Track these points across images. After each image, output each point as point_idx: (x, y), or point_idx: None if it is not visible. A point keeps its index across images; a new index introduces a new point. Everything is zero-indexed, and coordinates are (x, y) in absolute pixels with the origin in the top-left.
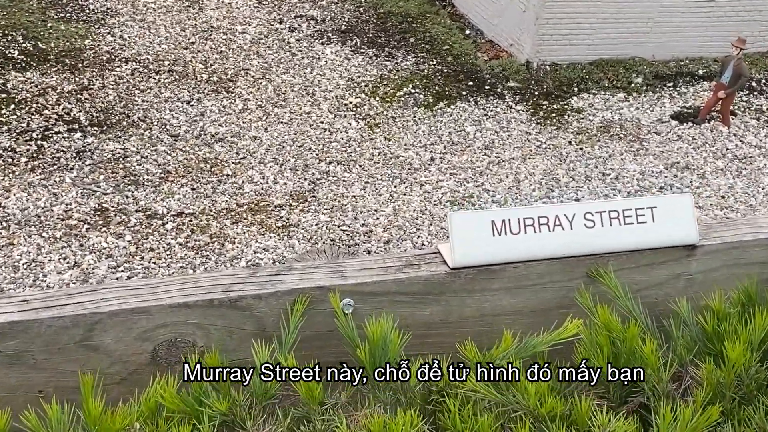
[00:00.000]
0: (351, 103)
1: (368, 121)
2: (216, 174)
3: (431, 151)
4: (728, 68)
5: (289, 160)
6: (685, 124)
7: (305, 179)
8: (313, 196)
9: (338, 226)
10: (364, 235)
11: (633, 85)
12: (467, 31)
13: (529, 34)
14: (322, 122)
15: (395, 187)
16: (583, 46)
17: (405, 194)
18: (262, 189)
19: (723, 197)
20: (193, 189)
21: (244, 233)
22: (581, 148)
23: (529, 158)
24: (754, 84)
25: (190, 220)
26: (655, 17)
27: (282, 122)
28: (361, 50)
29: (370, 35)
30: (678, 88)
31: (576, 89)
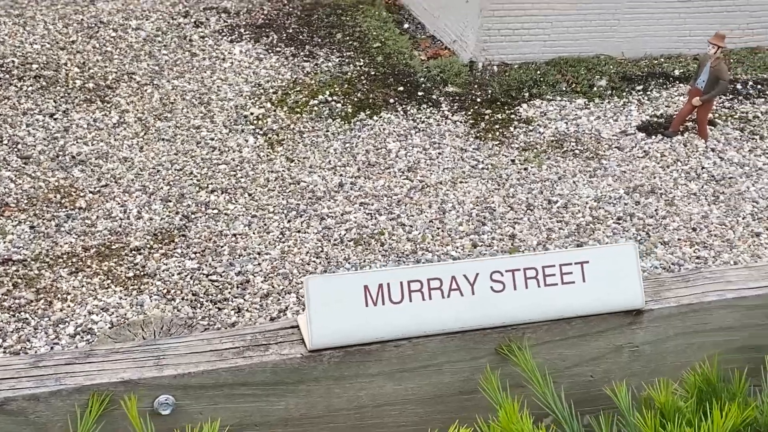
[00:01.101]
0: (252, 114)
1: (269, 138)
2: (66, 207)
3: (341, 175)
4: (704, 70)
5: (162, 187)
6: (653, 136)
7: (177, 213)
8: (183, 235)
9: (207, 275)
10: (237, 287)
11: (595, 88)
12: (406, 25)
13: (473, 29)
14: (212, 139)
15: (289, 221)
16: (538, 43)
17: (299, 231)
18: (120, 226)
19: (694, 230)
20: (32, 227)
21: (83, 287)
22: (526, 169)
23: (461, 182)
24: (739, 86)
25: (17, 270)
26: (624, 8)
27: (163, 139)
28: (277, 49)
29: (291, 30)
30: (648, 92)
31: (527, 94)
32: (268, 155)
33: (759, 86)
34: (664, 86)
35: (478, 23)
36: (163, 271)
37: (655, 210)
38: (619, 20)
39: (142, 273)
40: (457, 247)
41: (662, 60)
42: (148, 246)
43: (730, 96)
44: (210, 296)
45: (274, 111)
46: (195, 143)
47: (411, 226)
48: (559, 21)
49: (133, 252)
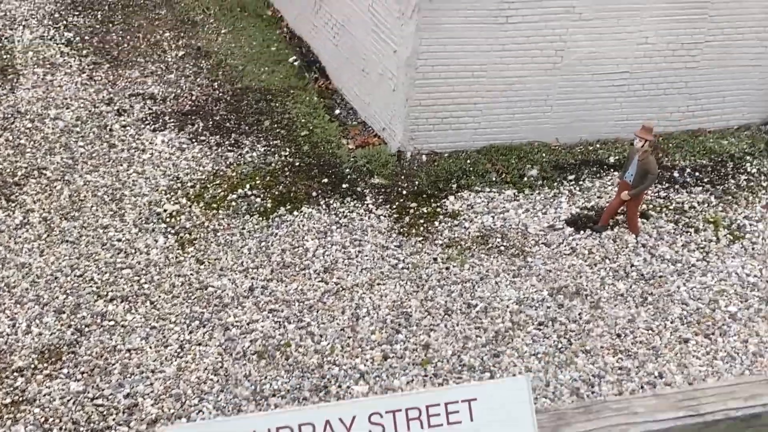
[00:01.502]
0: (166, 211)
1: (181, 237)
2: None
3: (253, 278)
4: (633, 163)
5: (58, 296)
6: (582, 231)
7: (70, 326)
8: (72, 352)
9: (92, 399)
10: (123, 412)
11: (526, 178)
12: (337, 111)
13: (400, 119)
14: (119, 240)
15: (190, 333)
16: (469, 131)
17: (200, 344)
18: (6, 343)
19: (619, 336)
20: None
21: None
22: (448, 268)
23: (378, 284)
24: (676, 174)
25: None
26: (556, 94)
27: (67, 241)
28: (202, 137)
29: (218, 117)
30: (581, 182)
31: (455, 185)
32: (177, 257)
33: (697, 173)
34: (598, 175)
35: (405, 113)
36: (44, 395)
37: (579, 314)
38: (552, 106)
39: (20, 399)
40: (367, 360)
41: (598, 146)
42: (32, 366)
43: (666, 185)
44: (92, 424)
45: (190, 207)
46: (100, 245)
47: (321, 336)
48: (489, 109)
49: (15, 374)
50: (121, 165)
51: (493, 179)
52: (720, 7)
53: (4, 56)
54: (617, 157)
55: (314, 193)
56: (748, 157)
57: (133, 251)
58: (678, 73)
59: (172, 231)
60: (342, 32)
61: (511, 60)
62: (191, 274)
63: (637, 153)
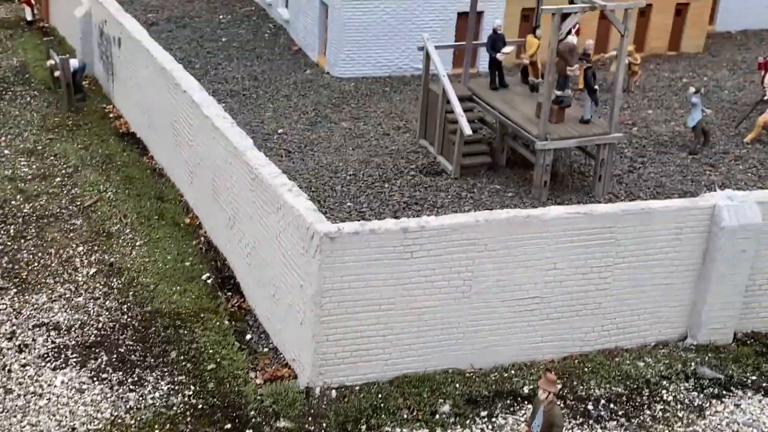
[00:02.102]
0: None
1: None
2: None
3: None
4: (538, 414)
5: None
6: None
7: None
8: None
9: None
10: None
11: (438, 416)
12: (249, 335)
13: (308, 353)
14: None
15: None
16: (380, 363)
17: None
18: None
19: None
20: None
21: None
22: None
23: None
24: (590, 407)
25: None
26: (467, 321)
27: None
28: (104, 375)
29: (124, 349)
30: (494, 418)
31: (365, 426)
32: None
33: (612, 404)
34: (511, 409)
35: (313, 348)
36: None
37: None
38: (464, 333)
39: None
40: None
41: (513, 372)
42: None
43: (581, 419)
44: None
45: None
46: None
47: None
48: (400, 340)
49: None
50: (15, 416)
51: (405, 416)
52: (627, 231)
53: None
54: (532, 386)
55: None
56: (664, 382)
57: None
58: (590, 294)
59: None
60: (254, 253)
61: (419, 292)
62: None
63: (542, 404)
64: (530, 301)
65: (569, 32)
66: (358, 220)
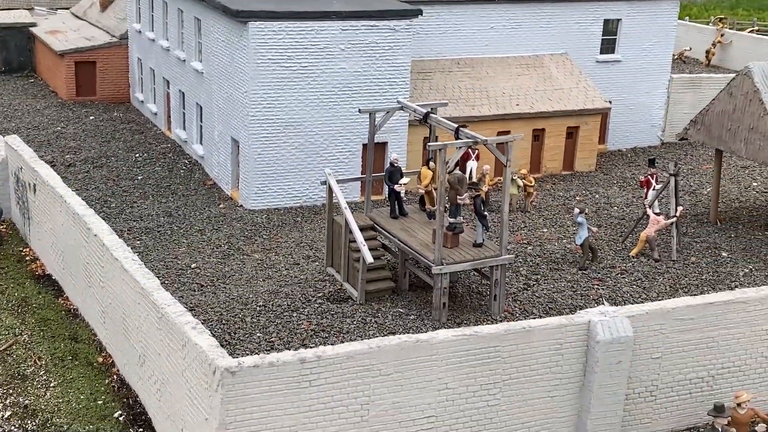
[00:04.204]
0: None
1: None
2: None
3: None
4: None
5: None
6: None
7: None
8: None
9: None
10: None
11: None
12: None
13: None
14: None
15: None
16: None
17: None
18: None
19: None
20: None
21: None
22: None
23: None
24: None
25: None
26: None
27: None
28: None
29: None
30: None
31: None
32: None
33: None
34: None
35: None
36: None
37: None
38: None
39: None
40: None
41: None
42: None
43: None
44: None
45: None
46: None
47: None
48: None
49: None
50: None
51: None
52: (511, 349)
53: None
54: None
55: None
56: None
57: None
58: (481, 411)
59: None
60: (163, 389)
61: (320, 419)
62: None
63: None
64: (425, 421)
65: (457, 164)
66: (267, 351)
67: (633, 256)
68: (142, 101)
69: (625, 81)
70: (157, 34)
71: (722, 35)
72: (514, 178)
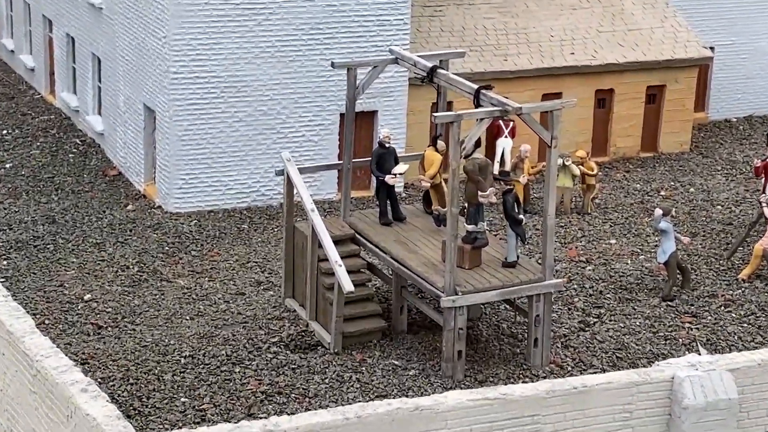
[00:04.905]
0: None
1: None
2: None
3: None
4: None
5: None
6: None
7: None
8: None
9: None
10: None
11: None
12: None
13: None
14: None
15: None
16: None
17: None
18: None
19: None
20: None
21: None
22: None
23: None
24: None
25: None
26: None
27: None
28: None
29: None
30: None
31: None
32: None
33: None
34: None
35: None
36: None
37: None
38: None
39: None
40: None
41: None
42: None
43: None
44: None
45: None
46: None
47: None
48: None
49: None
50: None
51: None
52: (556, 419)
53: None
54: None
55: None
56: None
57: None
58: None
59: None
60: None
61: None
62: None
63: None
64: None
65: (478, 144)
66: (196, 424)
67: (743, 280)
68: (12, 51)
69: (735, 17)
70: None
71: None
72: (566, 163)
